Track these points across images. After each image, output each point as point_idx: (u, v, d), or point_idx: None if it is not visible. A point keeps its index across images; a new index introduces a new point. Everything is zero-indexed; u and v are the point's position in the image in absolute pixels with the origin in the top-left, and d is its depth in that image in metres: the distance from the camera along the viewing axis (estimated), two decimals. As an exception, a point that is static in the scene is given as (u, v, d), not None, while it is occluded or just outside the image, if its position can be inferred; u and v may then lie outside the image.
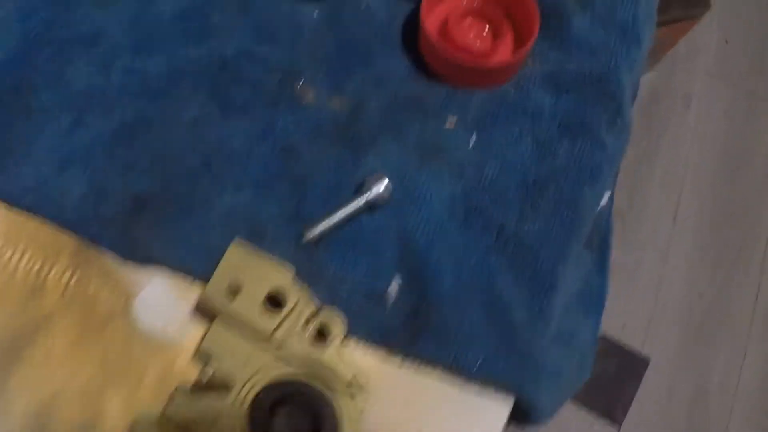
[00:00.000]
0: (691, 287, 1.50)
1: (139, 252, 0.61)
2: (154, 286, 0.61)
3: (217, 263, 0.58)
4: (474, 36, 0.66)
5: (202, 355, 0.56)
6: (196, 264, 0.60)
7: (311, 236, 0.59)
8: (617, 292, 1.48)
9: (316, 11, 0.68)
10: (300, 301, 0.56)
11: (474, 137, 0.64)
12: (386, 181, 0.60)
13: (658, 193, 1.54)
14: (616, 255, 1.47)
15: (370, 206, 0.61)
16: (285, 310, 0.55)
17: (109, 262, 0.61)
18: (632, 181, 1.55)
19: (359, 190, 0.61)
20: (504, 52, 0.66)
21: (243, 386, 0.53)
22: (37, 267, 0.59)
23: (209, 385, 0.54)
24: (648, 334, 1.46)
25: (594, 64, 0.67)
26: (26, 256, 0.59)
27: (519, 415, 0.59)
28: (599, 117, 0.66)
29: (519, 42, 0.67)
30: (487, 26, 0.67)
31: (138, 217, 0.61)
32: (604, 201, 0.68)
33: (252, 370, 0.54)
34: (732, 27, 1.71)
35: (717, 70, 1.66)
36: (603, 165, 0.65)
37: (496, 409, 0.58)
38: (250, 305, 0.55)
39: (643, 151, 1.57)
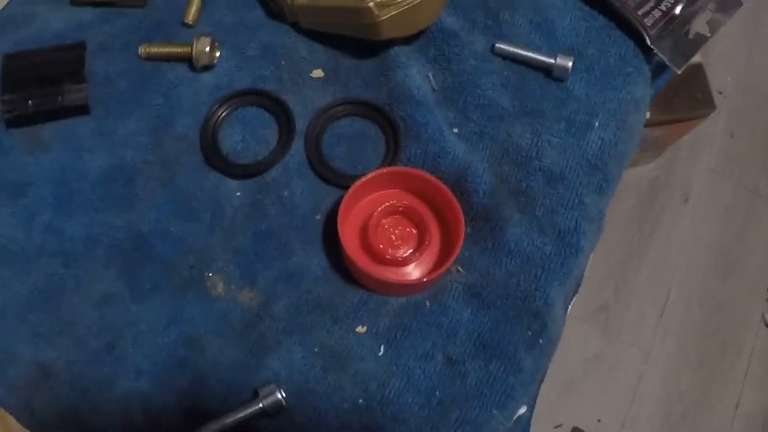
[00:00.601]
0: (671, 387, 1.46)
1: (37, 425, 0.61)
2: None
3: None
4: (397, 237, 0.63)
5: None
6: (90, 450, 0.59)
7: (204, 435, 0.58)
8: (595, 385, 1.45)
9: (239, 195, 0.66)
10: None
11: (383, 349, 0.62)
12: (279, 396, 0.59)
13: (646, 288, 1.50)
14: (597, 346, 1.44)
15: (266, 413, 0.59)
16: None
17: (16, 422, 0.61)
18: (621, 273, 1.50)
19: (255, 397, 0.59)
20: (427, 257, 0.64)
21: None
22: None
23: None
24: (622, 432, 1.43)
25: (523, 276, 0.64)
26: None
27: None
28: (519, 337, 0.63)
29: (447, 242, 0.64)
30: (414, 228, 0.64)
31: (40, 389, 0.61)
32: (521, 411, 0.65)
33: None
34: (739, 122, 1.63)
35: (720, 165, 1.60)
36: (517, 388, 0.62)
37: None
38: None
39: (636, 243, 1.52)
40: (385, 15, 0.64)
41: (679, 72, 0.73)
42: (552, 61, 0.70)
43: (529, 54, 0.71)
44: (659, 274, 1.49)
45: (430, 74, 0.71)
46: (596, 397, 1.42)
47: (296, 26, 0.73)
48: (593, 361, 1.45)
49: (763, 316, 1.48)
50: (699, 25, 0.74)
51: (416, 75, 0.70)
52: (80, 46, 0.72)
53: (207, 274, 0.64)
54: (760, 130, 1.62)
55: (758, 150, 1.60)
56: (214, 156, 0.67)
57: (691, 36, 0.74)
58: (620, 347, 1.46)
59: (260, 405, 0.58)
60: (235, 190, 0.66)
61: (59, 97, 0.69)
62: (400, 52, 0.71)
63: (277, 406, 0.58)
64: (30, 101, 0.68)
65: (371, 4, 0.64)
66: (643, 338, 1.47)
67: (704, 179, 1.57)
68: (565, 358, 1.44)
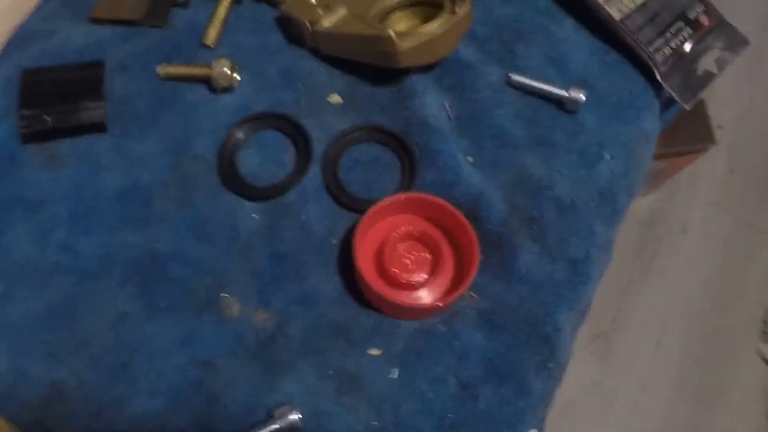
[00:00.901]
0: (666, 418, 1.47)
1: (52, 445, 0.59)
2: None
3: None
4: (411, 261, 0.64)
5: None
6: (101, 470, 0.59)
7: (216, 459, 0.58)
8: (591, 413, 1.45)
9: (256, 217, 0.67)
10: None
11: (396, 372, 0.62)
12: (294, 417, 0.59)
13: (644, 318, 1.51)
14: (594, 375, 1.45)
15: (281, 434, 0.59)
16: None
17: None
18: (619, 302, 1.51)
19: (270, 418, 0.59)
20: (441, 282, 0.64)
21: None
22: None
23: None
24: (616, 462, 1.43)
25: (534, 302, 0.65)
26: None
27: None
28: (530, 361, 0.64)
29: (460, 267, 0.65)
30: (428, 254, 0.65)
31: (53, 409, 0.60)
32: (530, 434, 0.66)
33: None
34: (739, 157, 1.66)
35: (719, 199, 1.62)
36: (527, 411, 0.63)
37: None
38: None
39: (635, 273, 1.54)
40: (405, 45, 0.65)
41: (688, 107, 0.75)
42: (565, 93, 0.71)
43: (543, 86, 0.72)
44: (657, 304, 1.50)
45: (446, 103, 0.72)
46: (592, 425, 1.42)
47: (316, 52, 0.74)
48: (590, 389, 1.45)
49: (757, 347, 1.49)
50: (707, 63, 0.76)
51: (432, 103, 0.71)
52: (99, 64, 0.73)
53: (222, 295, 0.64)
54: (760, 166, 1.65)
55: (757, 185, 1.63)
56: (231, 178, 0.67)
57: (699, 73, 0.76)
58: (617, 376, 1.47)
59: (276, 426, 0.58)
60: (252, 212, 0.67)
61: (77, 114, 0.69)
62: (417, 80, 0.72)
63: (293, 427, 0.58)
64: (48, 117, 0.69)
65: (392, 33, 0.65)
66: (639, 367, 1.47)
67: (703, 212, 1.59)
68: (562, 385, 1.44)
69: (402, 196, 0.63)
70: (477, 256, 0.61)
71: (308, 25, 0.71)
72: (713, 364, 1.48)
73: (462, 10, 0.67)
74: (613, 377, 1.46)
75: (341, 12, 0.72)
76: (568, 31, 0.77)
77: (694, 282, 1.52)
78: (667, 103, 0.79)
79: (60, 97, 0.70)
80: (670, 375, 1.47)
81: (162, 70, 0.72)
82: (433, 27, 0.66)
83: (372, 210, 0.62)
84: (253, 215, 0.67)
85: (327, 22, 0.71)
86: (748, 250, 1.56)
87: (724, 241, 1.56)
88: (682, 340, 1.49)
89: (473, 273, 0.60)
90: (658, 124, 0.77)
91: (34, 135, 0.69)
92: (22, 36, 0.76)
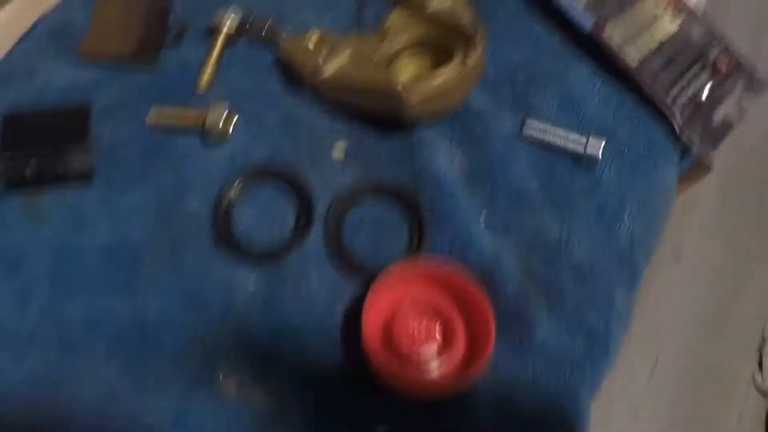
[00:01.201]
0: (658, 449, 1.44)
1: None
2: None
3: None
4: (421, 334, 0.60)
5: None
6: None
7: None
8: (581, 443, 1.42)
9: (253, 284, 0.62)
10: None
11: (406, 459, 0.58)
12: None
13: (636, 346, 1.47)
14: (585, 405, 1.41)
15: None
16: None
17: None
18: (611, 331, 1.48)
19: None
20: (453, 354, 0.60)
21: None
22: None
23: None
24: (608, 495, 1.40)
25: (551, 378, 0.61)
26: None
27: None
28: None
29: (473, 338, 0.60)
30: (439, 326, 0.60)
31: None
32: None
33: None
34: (731, 182, 1.63)
35: (711, 225, 1.59)
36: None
37: None
38: None
39: (627, 301, 1.50)
40: (416, 99, 0.61)
41: (707, 161, 0.71)
42: (582, 146, 0.68)
43: (559, 139, 0.68)
44: (649, 332, 1.47)
45: (457, 158, 0.68)
46: (582, 457, 1.38)
47: (318, 96, 0.69)
48: (580, 419, 1.42)
49: (752, 376, 1.47)
50: (727, 109, 0.73)
51: (443, 157, 0.67)
52: (85, 108, 0.68)
53: (217, 370, 0.59)
54: (752, 191, 1.63)
55: (749, 210, 1.61)
56: (226, 238, 0.63)
57: (719, 120, 0.72)
58: (608, 405, 1.44)
59: None
60: (249, 277, 0.62)
61: (62, 163, 0.65)
62: (426, 131, 0.68)
63: None
64: (29, 165, 0.64)
65: (400, 88, 0.61)
66: (631, 397, 1.44)
67: (696, 238, 1.56)
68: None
69: (412, 266, 0.60)
70: (492, 337, 0.57)
71: (308, 72, 0.66)
72: (707, 393, 1.46)
73: (471, 61, 0.63)
74: (603, 408, 1.42)
75: (344, 56, 0.67)
76: (584, 78, 0.73)
77: (688, 310, 1.50)
78: (684, 150, 0.75)
79: (44, 143, 0.65)
80: (663, 405, 1.44)
81: (153, 115, 0.67)
82: (444, 79, 0.62)
83: (379, 283, 0.58)
84: (250, 281, 0.62)
85: (328, 69, 0.66)
86: (741, 276, 1.54)
87: (717, 268, 1.54)
88: (675, 368, 1.46)
89: (487, 357, 0.56)
90: (677, 175, 0.73)
91: (15, 183, 0.64)
92: (1, 74, 0.70)
